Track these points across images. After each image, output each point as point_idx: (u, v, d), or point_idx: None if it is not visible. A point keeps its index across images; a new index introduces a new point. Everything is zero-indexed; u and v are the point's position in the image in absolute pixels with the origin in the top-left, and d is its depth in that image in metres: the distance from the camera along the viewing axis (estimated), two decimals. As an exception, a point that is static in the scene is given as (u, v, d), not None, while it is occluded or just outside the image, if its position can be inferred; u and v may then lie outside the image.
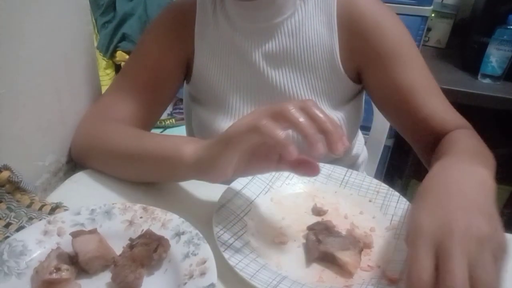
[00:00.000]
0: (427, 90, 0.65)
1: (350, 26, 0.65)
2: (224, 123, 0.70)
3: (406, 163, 1.61)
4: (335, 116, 0.70)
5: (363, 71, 0.68)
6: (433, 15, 1.56)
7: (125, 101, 0.68)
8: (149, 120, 0.72)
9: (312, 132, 0.40)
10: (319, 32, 0.66)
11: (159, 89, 0.71)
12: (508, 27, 1.32)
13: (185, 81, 0.78)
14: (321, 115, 0.41)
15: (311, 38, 0.66)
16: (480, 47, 1.38)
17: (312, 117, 0.41)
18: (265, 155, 0.48)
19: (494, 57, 1.36)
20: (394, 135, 1.61)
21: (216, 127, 0.71)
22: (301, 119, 0.40)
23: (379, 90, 0.68)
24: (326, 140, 0.41)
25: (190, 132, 1.04)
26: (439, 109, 0.64)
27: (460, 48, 1.57)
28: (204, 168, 0.49)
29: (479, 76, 1.42)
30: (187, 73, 0.75)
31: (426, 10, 1.37)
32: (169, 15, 0.72)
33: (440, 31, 1.62)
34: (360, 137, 0.90)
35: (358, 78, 0.70)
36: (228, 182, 0.59)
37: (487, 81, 1.41)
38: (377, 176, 0.99)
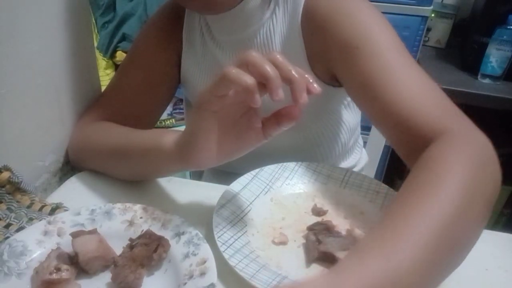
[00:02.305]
0: (388, 77, 0.51)
1: (309, 26, 0.60)
2: None
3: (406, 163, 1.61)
4: (320, 125, 0.69)
5: (333, 71, 0.60)
6: (433, 15, 1.56)
7: (121, 102, 0.68)
8: (148, 120, 0.71)
9: (274, 76, 0.38)
10: (287, 39, 0.62)
11: (155, 89, 0.70)
12: (508, 27, 1.32)
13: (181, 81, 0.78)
14: (286, 63, 0.40)
15: (281, 47, 0.63)
16: (480, 47, 1.38)
17: (276, 65, 0.39)
18: (247, 125, 0.45)
19: (494, 57, 1.36)
20: (394, 135, 1.61)
21: None
22: (265, 63, 0.39)
23: (349, 87, 0.59)
24: (291, 89, 0.40)
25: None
26: (406, 100, 0.48)
27: (460, 48, 1.58)
28: (185, 150, 0.46)
29: (479, 76, 1.42)
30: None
31: (426, 10, 1.37)
32: (162, 15, 0.71)
33: (440, 31, 1.62)
34: (358, 147, 0.86)
35: (332, 80, 0.64)
36: (228, 182, 0.59)
37: (487, 81, 1.41)
38: (377, 176, 0.99)
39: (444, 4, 1.68)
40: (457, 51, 1.58)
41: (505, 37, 1.33)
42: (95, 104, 0.71)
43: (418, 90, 0.49)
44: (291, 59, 0.45)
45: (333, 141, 0.74)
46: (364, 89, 0.53)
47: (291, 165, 0.64)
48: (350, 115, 0.75)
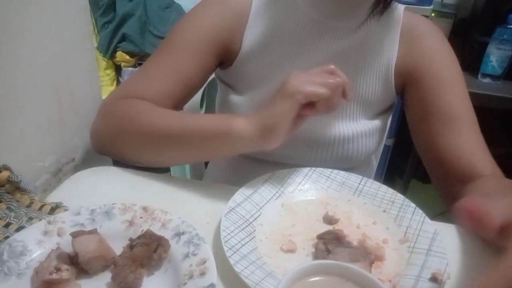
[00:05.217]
0: (460, 122, 0.64)
1: (410, 43, 0.69)
2: None
3: (406, 163, 1.61)
4: (371, 125, 0.71)
5: (407, 86, 0.71)
6: (433, 14, 1.56)
7: (150, 85, 0.65)
8: (179, 105, 0.70)
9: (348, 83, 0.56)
10: (382, 45, 0.69)
11: (187, 79, 0.68)
12: (508, 26, 1.32)
13: (220, 67, 0.76)
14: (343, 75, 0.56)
15: (373, 49, 0.69)
16: (480, 47, 1.39)
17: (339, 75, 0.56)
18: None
19: (494, 57, 1.36)
20: (394, 135, 1.61)
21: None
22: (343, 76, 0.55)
23: (413, 109, 0.70)
24: (346, 91, 0.56)
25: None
26: (468, 148, 0.63)
27: (460, 48, 1.57)
28: (266, 132, 0.53)
29: (479, 76, 1.42)
30: (226, 61, 0.72)
31: (426, 10, 1.37)
32: (220, 15, 0.69)
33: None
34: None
35: (400, 90, 0.73)
36: (239, 184, 0.58)
37: (487, 80, 1.41)
38: (377, 176, 0.99)
39: (444, 3, 1.68)
40: (457, 50, 1.57)
41: (505, 36, 1.33)
42: (123, 84, 0.69)
43: (472, 136, 0.64)
44: (378, 63, 0.68)
45: (373, 138, 0.74)
46: (426, 119, 0.66)
47: (304, 170, 0.63)
48: (387, 123, 0.79)
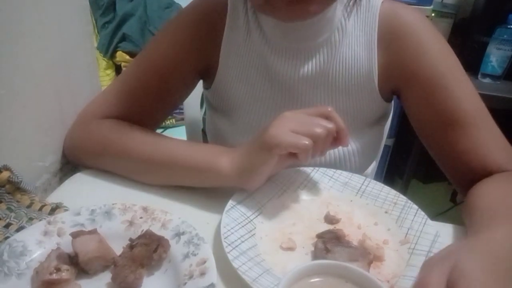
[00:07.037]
0: (469, 120, 0.59)
1: (391, 44, 0.63)
2: (242, 137, 0.69)
3: (406, 163, 1.61)
4: (360, 139, 0.68)
5: (401, 90, 0.65)
6: (433, 14, 1.56)
7: (132, 101, 0.66)
8: (153, 122, 0.70)
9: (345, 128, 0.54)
10: (357, 54, 0.64)
11: (167, 95, 0.68)
12: (508, 26, 1.32)
13: (203, 87, 0.76)
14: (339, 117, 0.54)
15: (348, 60, 0.64)
16: (480, 47, 1.39)
17: (334, 118, 0.53)
18: (290, 155, 0.53)
19: (494, 57, 1.37)
20: (394, 135, 1.61)
21: (232, 139, 0.70)
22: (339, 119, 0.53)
23: (417, 113, 0.64)
24: (341, 135, 0.54)
25: (190, 133, 1.04)
26: (481, 144, 0.59)
27: (460, 48, 1.57)
28: (245, 177, 0.54)
29: (479, 76, 1.42)
30: (206, 79, 0.72)
31: (426, 9, 1.37)
32: (195, 19, 0.67)
33: (440, 31, 1.60)
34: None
35: (391, 96, 0.68)
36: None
37: (487, 80, 1.41)
38: (377, 176, 0.99)
39: (444, 3, 1.68)
40: (457, 50, 1.56)
41: (505, 36, 1.33)
42: (97, 101, 0.68)
43: (485, 132, 0.60)
44: (358, 74, 0.63)
45: (367, 153, 0.72)
46: (433, 122, 0.62)
47: (307, 170, 0.63)
48: (386, 126, 0.76)
